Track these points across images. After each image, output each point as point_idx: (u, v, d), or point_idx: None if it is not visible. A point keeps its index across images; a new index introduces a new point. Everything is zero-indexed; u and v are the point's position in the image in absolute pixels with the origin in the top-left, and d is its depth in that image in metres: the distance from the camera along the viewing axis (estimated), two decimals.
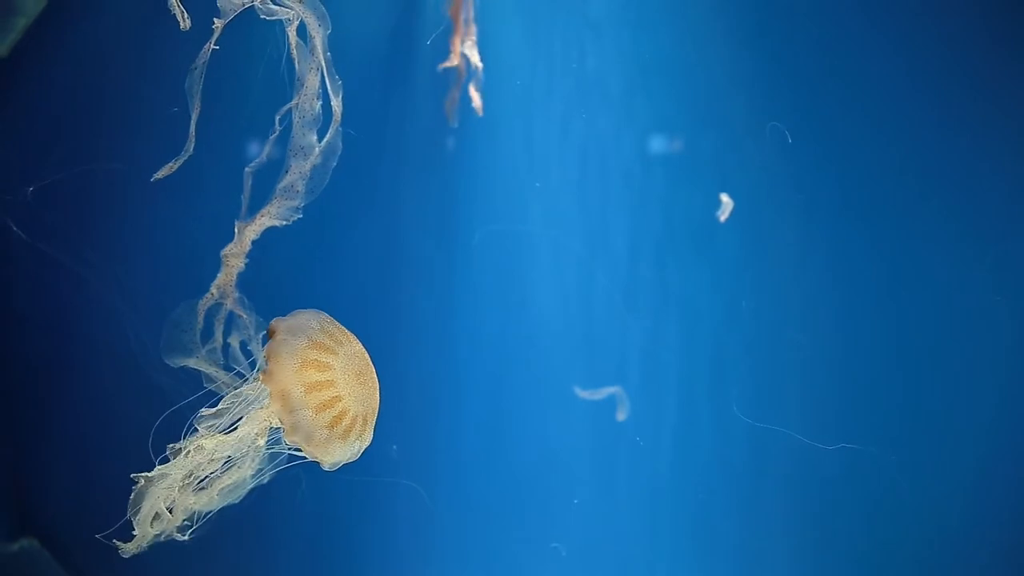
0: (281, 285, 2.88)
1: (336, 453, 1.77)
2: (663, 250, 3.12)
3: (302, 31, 2.10)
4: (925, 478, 2.87)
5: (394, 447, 3.08)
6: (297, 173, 2.12)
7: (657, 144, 3.12)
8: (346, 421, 1.75)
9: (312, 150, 2.08)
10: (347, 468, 2.94)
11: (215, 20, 1.96)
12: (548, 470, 3.18)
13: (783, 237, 3.04)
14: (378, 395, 1.85)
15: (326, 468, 1.80)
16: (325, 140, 2.12)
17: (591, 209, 3.14)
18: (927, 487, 2.87)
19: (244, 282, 2.96)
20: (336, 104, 2.09)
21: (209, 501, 1.87)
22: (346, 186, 3.05)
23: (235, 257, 2.12)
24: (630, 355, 3.14)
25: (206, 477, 1.80)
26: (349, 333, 1.84)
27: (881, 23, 2.89)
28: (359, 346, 1.84)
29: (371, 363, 1.84)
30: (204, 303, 2.15)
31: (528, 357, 3.14)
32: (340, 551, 3.10)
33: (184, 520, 1.86)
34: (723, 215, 2.97)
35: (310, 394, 1.70)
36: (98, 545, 3.08)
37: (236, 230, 2.11)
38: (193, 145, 2.02)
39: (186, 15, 1.90)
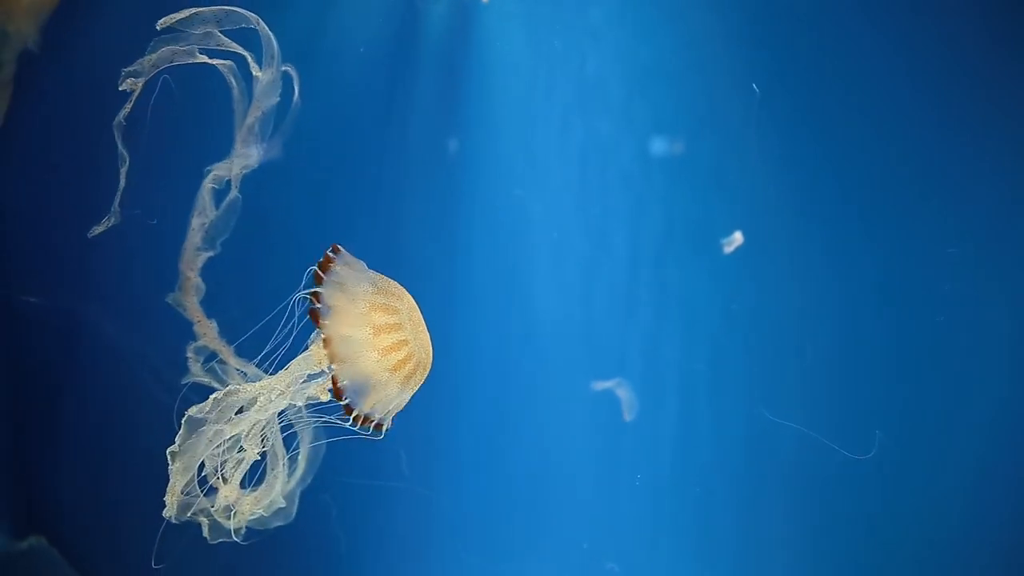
0: (282, 287, 2.92)
1: (391, 398, 1.70)
2: (663, 252, 3.13)
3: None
4: (925, 477, 2.86)
5: (402, 454, 3.09)
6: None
7: (656, 147, 3.13)
8: (409, 366, 1.70)
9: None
10: (351, 471, 2.97)
11: (130, 79, 1.99)
12: (548, 471, 3.18)
13: (782, 239, 3.04)
14: (431, 347, 1.79)
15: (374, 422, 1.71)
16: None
17: (591, 211, 3.16)
18: (927, 486, 2.86)
19: (244, 283, 3.01)
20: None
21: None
22: (348, 188, 3.11)
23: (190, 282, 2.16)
24: (630, 356, 3.15)
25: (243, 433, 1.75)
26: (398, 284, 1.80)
27: (879, 26, 2.90)
28: (410, 297, 1.80)
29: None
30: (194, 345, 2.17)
31: (528, 359, 3.15)
32: (341, 550, 3.12)
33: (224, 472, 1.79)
34: (728, 247, 2.98)
35: (377, 336, 1.65)
36: (105, 543, 3.13)
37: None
38: (118, 203, 2.05)
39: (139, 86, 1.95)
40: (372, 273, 1.75)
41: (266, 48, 2.06)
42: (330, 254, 1.72)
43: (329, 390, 1.67)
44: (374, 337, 1.64)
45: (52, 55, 2.75)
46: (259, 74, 2.10)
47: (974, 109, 2.83)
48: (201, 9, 2.02)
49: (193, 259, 2.18)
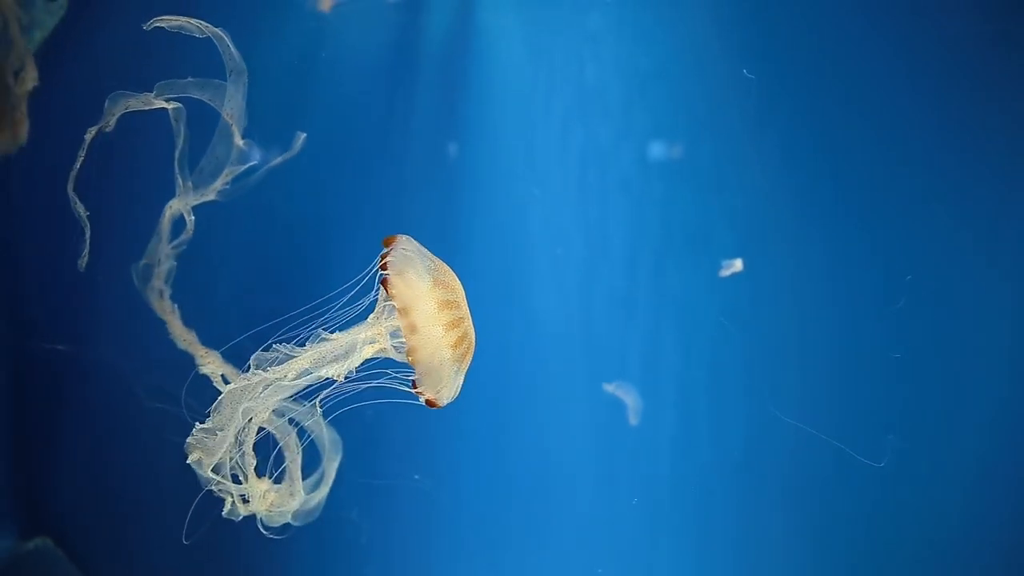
0: (283, 289, 2.95)
1: (447, 380, 1.68)
2: (662, 256, 3.14)
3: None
4: (924, 477, 2.86)
5: (416, 477, 3.11)
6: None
7: (655, 152, 3.15)
8: (464, 345, 1.69)
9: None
10: (354, 469, 2.98)
11: (89, 130, 2.04)
12: (548, 472, 3.19)
13: (781, 243, 3.06)
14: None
15: (430, 397, 1.70)
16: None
17: (590, 216, 3.18)
18: (926, 486, 2.86)
19: (246, 284, 3.04)
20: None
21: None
22: (349, 192, 3.14)
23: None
24: (629, 359, 3.16)
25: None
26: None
27: (878, 30, 2.91)
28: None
29: None
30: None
31: (528, 362, 3.16)
32: (342, 551, 3.13)
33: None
34: (725, 271, 3.00)
35: (441, 311, 1.64)
36: (110, 544, 3.15)
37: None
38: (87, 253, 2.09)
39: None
40: (426, 251, 1.75)
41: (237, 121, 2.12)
42: (391, 239, 1.71)
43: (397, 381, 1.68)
44: (439, 311, 1.64)
45: (55, 91, 2.80)
46: (240, 142, 2.15)
47: (974, 111, 2.84)
48: (194, 80, 2.07)
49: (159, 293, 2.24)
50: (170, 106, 2.07)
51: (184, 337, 2.19)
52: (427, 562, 3.19)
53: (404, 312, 1.60)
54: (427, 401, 1.70)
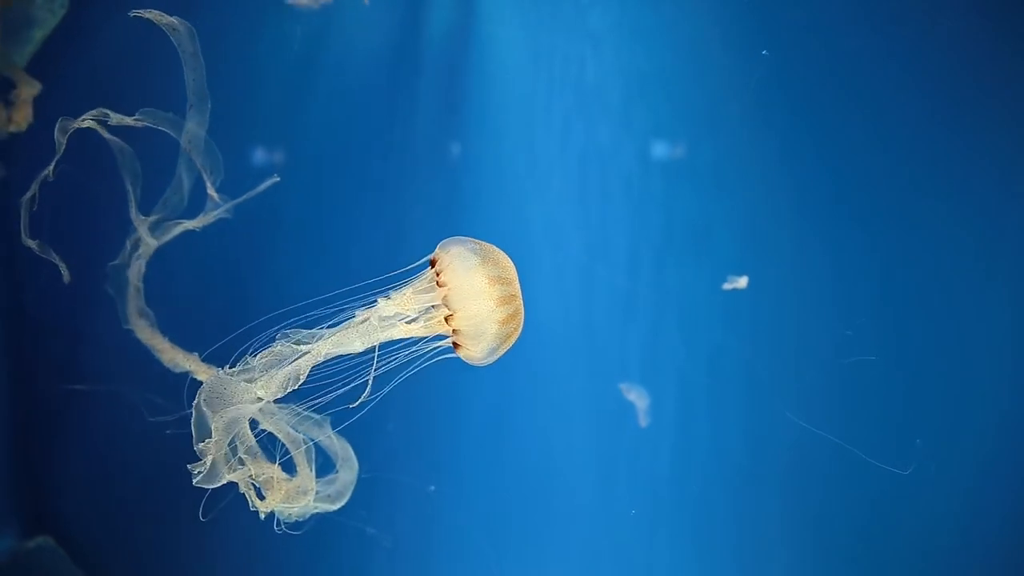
0: (284, 287, 2.95)
1: (487, 351, 1.77)
2: (662, 254, 3.14)
3: None
4: (924, 477, 2.86)
5: (432, 488, 3.12)
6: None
7: (656, 151, 3.15)
8: (513, 324, 1.78)
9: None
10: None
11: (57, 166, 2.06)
12: (548, 473, 3.19)
13: (781, 241, 3.06)
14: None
15: (477, 362, 1.79)
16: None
17: (591, 214, 3.18)
18: (926, 486, 2.86)
19: (247, 284, 3.04)
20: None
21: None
22: (352, 191, 3.14)
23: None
24: (630, 358, 3.16)
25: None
26: None
27: (877, 30, 2.91)
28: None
29: None
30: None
31: (528, 360, 3.16)
32: (343, 551, 3.13)
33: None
34: (729, 285, 3.00)
35: (493, 286, 1.73)
36: (111, 542, 3.15)
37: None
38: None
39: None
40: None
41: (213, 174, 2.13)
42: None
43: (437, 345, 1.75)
44: (489, 286, 1.73)
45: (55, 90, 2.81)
46: (213, 194, 2.16)
47: (975, 112, 2.84)
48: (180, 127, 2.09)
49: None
50: (110, 138, 2.09)
51: (173, 357, 2.20)
52: (428, 562, 3.19)
53: (456, 287, 1.69)
54: (464, 354, 1.78)
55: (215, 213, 2.20)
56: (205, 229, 2.31)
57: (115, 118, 2.04)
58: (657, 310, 3.16)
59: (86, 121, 2.00)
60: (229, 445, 1.73)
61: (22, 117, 2.75)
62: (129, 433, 3.03)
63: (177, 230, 2.23)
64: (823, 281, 3.02)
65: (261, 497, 1.82)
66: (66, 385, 2.98)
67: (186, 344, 2.31)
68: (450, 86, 3.13)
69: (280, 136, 3.00)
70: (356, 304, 1.79)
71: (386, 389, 1.76)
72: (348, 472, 2.11)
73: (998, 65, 2.83)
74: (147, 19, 1.97)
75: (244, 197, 2.26)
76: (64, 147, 2.05)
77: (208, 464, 1.66)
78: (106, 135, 2.11)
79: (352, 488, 2.19)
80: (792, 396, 3.00)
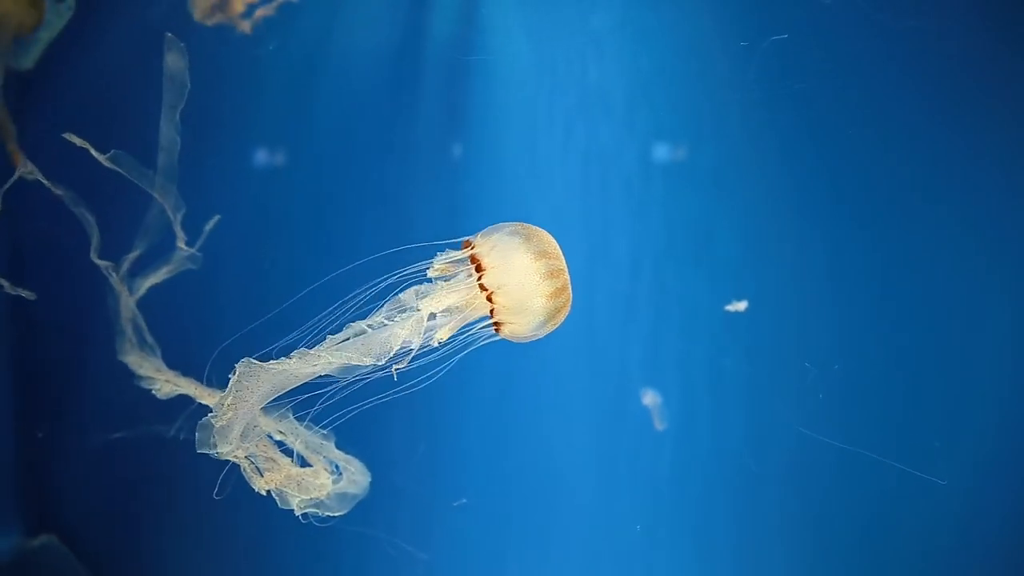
0: (286, 288, 2.96)
1: (534, 326, 1.76)
2: (663, 257, 3.15)
3: None
4: (923, 478, 2.86)
5: (464, 500, 3.13)
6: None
7: (658, 153, 3.16)
8: (561, 299, 1.77)
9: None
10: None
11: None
12: (549, 473, 3.20)
13: (782, 244, 3.06)
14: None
15: (522, 338, 1.79)
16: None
17: (593, 216, 3.19)
18: (927, 487, 2.86)
19: (248, 284, 3.06)
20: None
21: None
22: (353, 193, 3.15)
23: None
24: (630, 361, 3.17)
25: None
26: None
27: (880, 31, 2.91)
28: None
29: None
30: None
31: (528, 362, 3.17)
32: (343, 556, 3.14)
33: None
34: (729, 308, 3.01)
35: (539, 260, 1.73)
36: (116, 541, 3.17)
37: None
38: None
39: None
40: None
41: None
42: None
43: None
44: (535, 261, 1.73)
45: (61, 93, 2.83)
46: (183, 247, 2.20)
47: (975, 112, 2.84)
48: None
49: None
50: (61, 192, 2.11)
51: (170, 381, 2.21)
52: (429, 566, 3.20)
53: (504, 262, 1.70)
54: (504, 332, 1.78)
55: (181, 261, 2.21)
56: (197, 228, 2.32)
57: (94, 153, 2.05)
58: (658, 312, 3.17)
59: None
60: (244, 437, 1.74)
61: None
62: (133, 431, 3.04)
63: (146, 285, 2.24)
64: (825, 283, 3.02)
65: (261, 475, 1.82)
66: (71, 384, 3.01)
67: (190, 344, 2.32)
68: (451, 87, 3.14)
69: (282, 137, 3.01)
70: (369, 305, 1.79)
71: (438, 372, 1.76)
72: (354, 486, 2.11)
73: (999, 65, 2.83)
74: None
75: (199, 243, 2.28)
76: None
77: (222, 421, 1.65)
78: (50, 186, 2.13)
79: (357, 501, 2.19)
80: (793, 397, 3.00)
